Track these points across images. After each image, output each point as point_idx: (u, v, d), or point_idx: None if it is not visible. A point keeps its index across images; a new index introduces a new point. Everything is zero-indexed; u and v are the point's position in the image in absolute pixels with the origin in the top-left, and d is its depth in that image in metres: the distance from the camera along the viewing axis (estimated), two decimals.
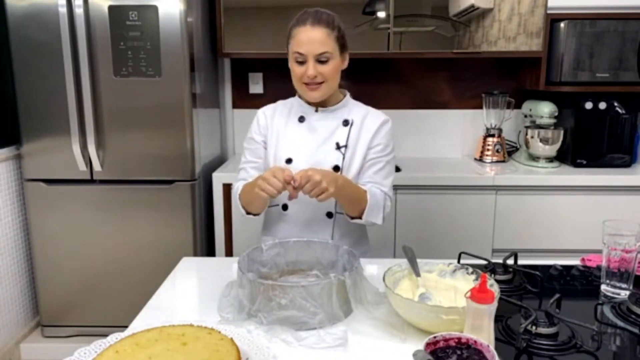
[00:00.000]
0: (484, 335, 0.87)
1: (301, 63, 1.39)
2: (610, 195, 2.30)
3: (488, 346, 0.83)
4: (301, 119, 1.50)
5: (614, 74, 2.33)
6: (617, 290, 1.17)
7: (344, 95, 1.53)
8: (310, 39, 1.36)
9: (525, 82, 2.64)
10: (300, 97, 1.52)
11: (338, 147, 1.46)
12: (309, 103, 1.50)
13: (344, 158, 1.46)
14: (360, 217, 1.43)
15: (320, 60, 1.38)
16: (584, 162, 2.47)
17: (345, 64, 1.47)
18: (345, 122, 1.49)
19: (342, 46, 1.43)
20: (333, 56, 1.39)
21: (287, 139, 1.49)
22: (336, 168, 1.44)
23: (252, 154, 1.54)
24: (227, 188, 2.34)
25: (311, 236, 1.38)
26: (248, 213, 1.47)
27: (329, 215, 1.49)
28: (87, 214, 2.28)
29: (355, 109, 1.52)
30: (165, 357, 0.87)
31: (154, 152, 2.22)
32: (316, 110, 1.50)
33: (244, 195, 1.45)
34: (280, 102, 1.57)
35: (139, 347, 0.89)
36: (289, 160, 1.46)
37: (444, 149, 2.82)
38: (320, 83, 1.40)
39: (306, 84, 1.41)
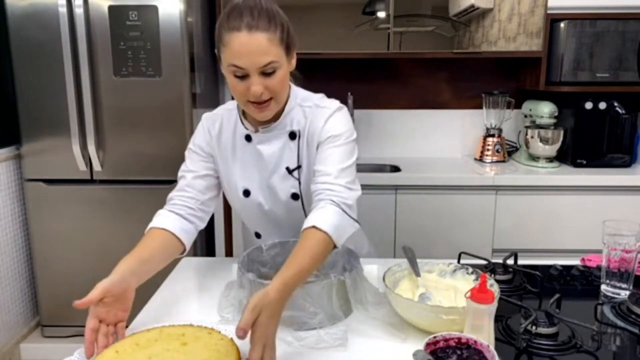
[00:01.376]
0: (484, 335, 0.87)
1: (241, 78, 1.09)
2: (610, 195, 2.30)
3: (488, 346, 0.83)
4: (248, 138, 1.26)
5: (614, 74, 2.33)
6: (617, 290, 1.17)
7: (288, 94, 1.24)
8: (250, 50, 1.06)
9: (525, 82, 2.64)
10: (239, 109, 1.28)
11: (289, 171, 1.24)
12: (250, 120, 1.25)
13: (300, 182, 1.25)
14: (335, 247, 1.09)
15: (266, 72, 1.09)
16: (584, 162, 2.47)
17: (294, 64, 1.19)
18: (292, 135, 1.23)
19: (288, 47, 1.13)
20: (280, 64, 1.10)
21: (237, 165, 1.28)
22: (295, 196, 1.25)
23: (194, 164, 1.30)
24: None
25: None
26: None
27: None
28: (87, 214, 2.28)
29: (302, 111, 1.24)
30: (165, 357, 0.87)
31: (154, 152, 2.22)
32: (256, 131, 1.24)
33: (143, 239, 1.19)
34: (225, 112, 1.30)
35: (138, 347, 0.89)
36: (246, 192, 1.28)
37: (444, 149, 2.82)
38: (269, 99, 1.13)
39: (250, 101, 1.13)
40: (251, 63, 1.07)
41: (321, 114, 1.22)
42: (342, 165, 1.17)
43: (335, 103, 1.25)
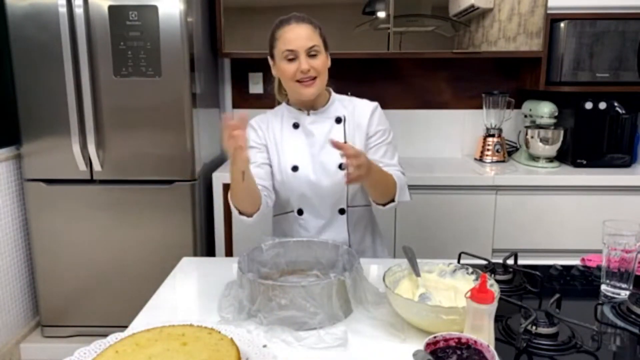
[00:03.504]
0: (484, 335, 0.87)
1: (291, 60, 1.40)
2: (610, 195, 2.30)
3: (488, 346, 0.83)
4: (295, 126, 1.51)
5: (614, 74, 2.33)
6: (617, 290, 1.17)
7: (329, 93, 1.55)
8: (299, 35, 1.39)
9: (525, 82, 2.64)
10: (289, 103, 1.54)
11: None
12: (300, 108, 1.51)
13: None
14: (392, 201, 1.46)
15: (311, 54, 1.40)
16: (584, 162, 2.47)
17: (329, 63, 1.49)
18: (338, 120, 1.51)
19: (325, 43, 1.46)
20: (321, 50, 1.42)
21: (286, 147, 1.50)
22: (341, 166, 1.46)
23: (252, 157, 1.46)
24: (227, 188, 2.33)
25: (328, 235, 1.49)
26: (241, 213, 1.41)
27: (342, 211, 1.52)
28: (87, 214, 2.28)
29: (342, 104, 1.54)
30: (165, 357, 0.87)
31: (154, 152, 2.22)
32: (308, 114, 1.51)
33: (232, 192, 1.38)
34: (269, 113, 1.57)
35: (139, 347, 0.89)
36: (294, 168, 1.48)
37: (444, 149, 2.82)
38: (314, 78, 1.42)
39: (299, 81, 1.41)
40: (300, 45, 1.39)
41: (363, 105, 1.54)
42: (397, 158, 1.54)
43: (368, 101, 1.57)
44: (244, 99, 2.80)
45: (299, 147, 1.50)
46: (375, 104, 1.55)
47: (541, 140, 2.48)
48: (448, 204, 2.31)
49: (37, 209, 2.29)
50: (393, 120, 2.83)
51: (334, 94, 1.56)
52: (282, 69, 1.43)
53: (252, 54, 2.46)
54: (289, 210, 1.55)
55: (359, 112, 1.52)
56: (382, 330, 1.03)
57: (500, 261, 1.28)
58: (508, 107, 2.63)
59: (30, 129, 2.22)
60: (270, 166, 1.52)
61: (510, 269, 1.26)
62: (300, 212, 1.52)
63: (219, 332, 0.94)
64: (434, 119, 2.80)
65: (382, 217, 2.30)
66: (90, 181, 2.27)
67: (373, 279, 1.21)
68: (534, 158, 2.54)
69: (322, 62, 1.43)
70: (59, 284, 2.34)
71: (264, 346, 0.94)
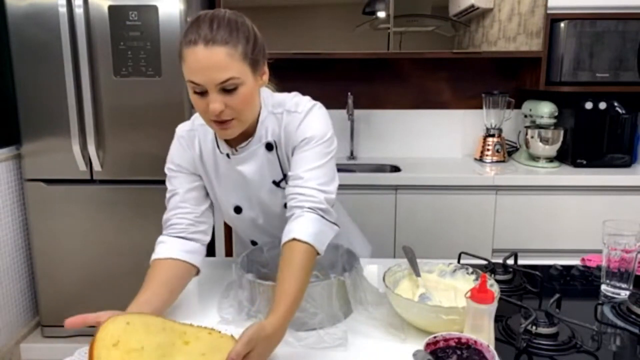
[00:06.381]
0: (484, 335, 0.87)
1: (200, 94, 1.02)
2: (610, 195, 2.30)
3: (488, 346, 0.83)
4: (229, 156, 1.19)
5: (614, 74, 2.33)
6: (617, 290, 1.17)
7: (259, 107, 1.15)
8: (206, 65, 0.99)
9: (525, 82, 2.64)
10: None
11: (277, 184, 1.21)
12: (226, 140, 1.17)
13: None
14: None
15: (226, 89, 1.01)
16: (584, 162, 2.47)
17: (265, 80, 1.12)
18: (269, 146, 1.17)
19: (255, 62, 1.05)
20: (242, 81, 1.02)
21: (222, 183, 1.22)
22: (286, 205, 1.18)
23: (181, 182, 1.20)
24: None
25: None
26: None
27: None
28: (87, 214, 2.28)
29: (275, 119, 1.17)
30: (169, 350, 0.86)
31: (154, 152, 2.22)
32: (235, 151, 1.17)
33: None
34: (200, 128, 1.20)
35: (147, 329, 0.87)
36: (237, 209, 1.25)
37: (444, 149, 2.82)
38: (232, 119, 1.05)
39: (214, 120, 1.05)
40: (208, 79, 1.00)
41: (293, 121, 1.16)
42: (311, 166, 1.11)
43: (305, 104, 1.17)
44: None
45: (236, 182, 1.20)
46: (305, 111, 1.15)
47: (541, 140, 2.48)
48: (448, 204, 2.31)
49: (37, 209, 2.29)
50: (393, 120, 2.85)
51: (264, 104, 1.17)
52: (192, 101, 1.05)
53: None
54: (241, 235, 1.39)
55: (289, 126, 1.15)
56: (382, 330, 1.03)
57: (500, 261, 1.28)
58: (508, 107, 2.63)
59: (30, 129, 2.22)
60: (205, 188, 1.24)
61: (510, 269, 1.26)
62: (254, 243, 1.35)
63: (219, 332, 0.94)
64: (434, 119, 2.80)
65: (382, 217, 2.31)
66: (90, 181, 2.27)
67: (373, 279, 1.21)
68: (534, 158, 2.54)
69: (243, 98, 1.03)
70: (59, 284, 2.34)
71: None
